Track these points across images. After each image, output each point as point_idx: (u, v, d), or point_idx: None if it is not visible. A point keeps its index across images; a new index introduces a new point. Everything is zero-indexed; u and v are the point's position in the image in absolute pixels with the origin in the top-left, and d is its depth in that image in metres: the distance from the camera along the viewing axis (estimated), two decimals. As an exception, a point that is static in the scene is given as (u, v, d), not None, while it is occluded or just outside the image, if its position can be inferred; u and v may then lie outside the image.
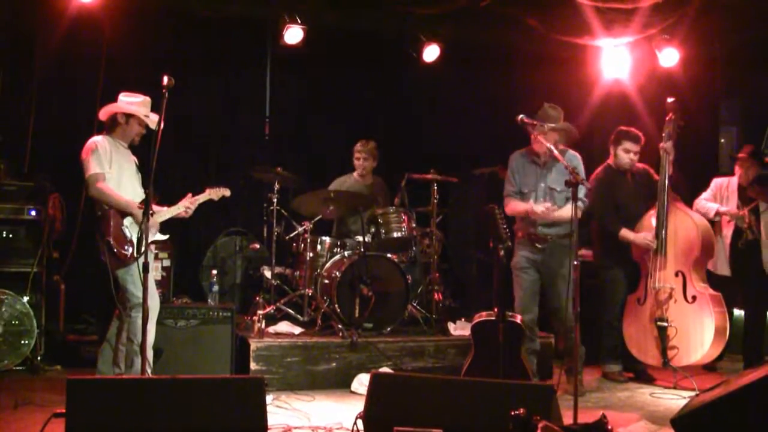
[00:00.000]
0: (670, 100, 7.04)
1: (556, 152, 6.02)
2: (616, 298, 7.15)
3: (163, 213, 6.00)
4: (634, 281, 7.14)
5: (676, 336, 6.76)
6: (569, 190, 6.13)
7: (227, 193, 6.37)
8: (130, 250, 5.66)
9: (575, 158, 6.54)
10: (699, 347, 6.71)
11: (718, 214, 7.44)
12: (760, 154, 7.63)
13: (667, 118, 6.98)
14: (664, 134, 6.96)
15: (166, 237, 6.06)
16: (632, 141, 7.07)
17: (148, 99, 5.95)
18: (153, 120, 5.91)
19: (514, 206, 6.60)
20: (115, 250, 5.64)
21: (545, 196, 6.48)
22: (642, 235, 6.95)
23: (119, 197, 5.72)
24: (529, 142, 6.59)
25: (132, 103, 5.93)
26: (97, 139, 5.85)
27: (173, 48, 8.23)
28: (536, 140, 6.45)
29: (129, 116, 5.90)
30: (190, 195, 6.13)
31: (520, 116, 5.78)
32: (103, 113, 5.95)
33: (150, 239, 5.73)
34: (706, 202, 7.54)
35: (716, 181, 7.73)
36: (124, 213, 5.73)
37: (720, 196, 7.58)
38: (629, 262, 7.15)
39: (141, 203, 5.72)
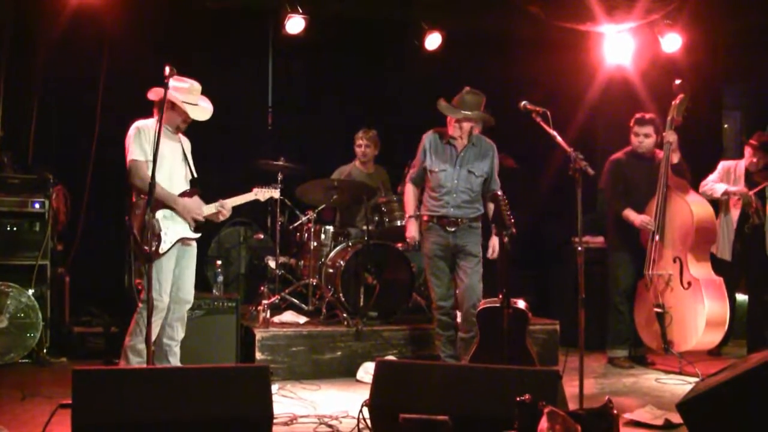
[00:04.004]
0: (677, 81, 6.95)
1: (560, 139, 5.83)
2: (622, 281, 7.16)
3: (204, 209, 5.78)
4: (642, 266, 7.11)
5: (673, 322, 6.77)
6: (486, 175, 6.32)
7: (276, 194, 6.27)
8: (155, 245, 5.37)
9: (491, 147, 6.50)
10: (694, 333, 6.69)
11: (726, 193, 7.40)
12: None
13: (677, 101, 6.88)
14: (668, 119, 6.91)
15: (198, 235, 5.79)
16: (638, 124, 7.10)
17: (197, 86, 5.68)
18: (199, 109, 5.72)
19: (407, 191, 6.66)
20: (139, 243, 5.29)
21: (458, 178, 6.34)
22: (642, 217, 6.96)
23: (161, 189, 5.41)
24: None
25: (179, 89, 5.59)
26: (143, 124, 5.60)
27: (175, 39, 8.20)
28: (451, 124, 6.43)
29: (173, 103, 5.60)
30: (220, 200, 5.88)
31: (523, 102, 5.71)
32: (153, 94, 5.61)
33: (185, 235, 5.64)
34: (713, 183, 7.50)
35: (723, 164, 7.70)
36: (161, 205, 5.48)
37: (727, 179, 7.54)
38: (639, 246, 7.12)
39: (182, 194, 5.63)
